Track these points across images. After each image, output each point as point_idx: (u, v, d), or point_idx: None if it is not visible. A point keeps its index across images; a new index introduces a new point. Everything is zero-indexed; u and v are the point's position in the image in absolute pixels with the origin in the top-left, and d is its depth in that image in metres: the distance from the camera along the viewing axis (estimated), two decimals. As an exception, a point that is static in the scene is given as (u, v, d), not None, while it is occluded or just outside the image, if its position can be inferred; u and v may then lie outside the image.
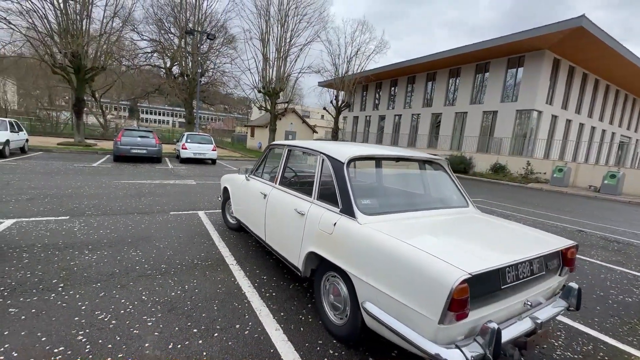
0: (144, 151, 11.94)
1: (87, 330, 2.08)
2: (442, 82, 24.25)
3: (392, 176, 3.08)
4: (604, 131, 24.78)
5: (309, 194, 2.55)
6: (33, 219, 4.33)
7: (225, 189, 4.54)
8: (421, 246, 1.65)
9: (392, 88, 29.03)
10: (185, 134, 13.99)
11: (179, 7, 20.37)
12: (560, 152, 20.87)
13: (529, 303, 1.76)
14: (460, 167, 19.06)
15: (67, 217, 4.51)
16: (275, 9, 21.08)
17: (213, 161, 14.08)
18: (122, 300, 2.48)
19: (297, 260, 2.53)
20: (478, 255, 1.67)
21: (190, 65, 21.59)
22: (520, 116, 19.59)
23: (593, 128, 23.68)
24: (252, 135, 29.05)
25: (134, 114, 74.21)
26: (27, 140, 12.44)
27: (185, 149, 13.14)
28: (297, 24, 21.36)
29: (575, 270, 4.06)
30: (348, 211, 2.10)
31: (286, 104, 24.23)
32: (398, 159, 2.64)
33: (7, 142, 10.28)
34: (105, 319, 2.22)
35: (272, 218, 2.97)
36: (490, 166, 18.68)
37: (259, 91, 22.81)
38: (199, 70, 18.73)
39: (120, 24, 18.10)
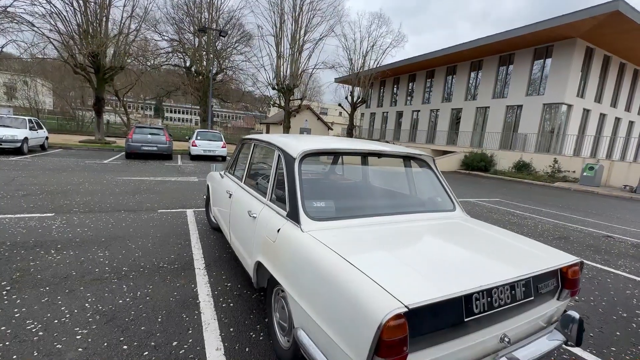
0: (154, 148, 12.08)
1: (7, 343, 1.89)
2: (463, 75, 23.12)
3: (358, 174, 2.72)
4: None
5: (265, 194, 2.24)
6: (18, 215, 4.30)
7: (208, 186, 4.33)
8: (361, 265, 1.30)
9: (410, 83, 28.08)
10: (196, 131, 14.07)
11: (192, 7, 20.56)
12: (592, 149, 19.34)
13: (507, 339, 1.36)
14: (481, 164, 18.07)
15: (52, 214, 4.45)
16: (289, 5, 20.87)
17: (223, 158, 14.09)
18: (62, 308, 2.28)
19: (250, 268, 2.23)
20: (433, 279, 1.30)
21: (205, 63, 21.81)
22: (548, 110, 18.29)
23: (631, 123, 21.80)
24: (268, 132, 29.10)
25: (159, 112, 76.89)
26: (46, 138, 12.91)
27: (195, 146, 13.20)
28: (311, 19, 21.04)
29: (589, 289, 3.52)
30: (293, 215, 1.77)
31: (300, 101, 23.98)
32: (365, 154, 2.28)
33: (26, 139, 10.67)
34: (33, 330, 2.02)
35: (233, 219, 2.70)
36: (514, 164, 17.57)
37: (273, 88, 22.72)
38: (212, 69, 18.84)
39: (138, 25, 18.51)
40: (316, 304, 1.37)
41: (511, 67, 20.07)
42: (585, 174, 13.77)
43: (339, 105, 27.60)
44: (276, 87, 22.28)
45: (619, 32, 15.66)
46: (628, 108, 21.14)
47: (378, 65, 24.26)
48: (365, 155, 2.26)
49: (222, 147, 13.72)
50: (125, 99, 29.87)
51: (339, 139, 2.52)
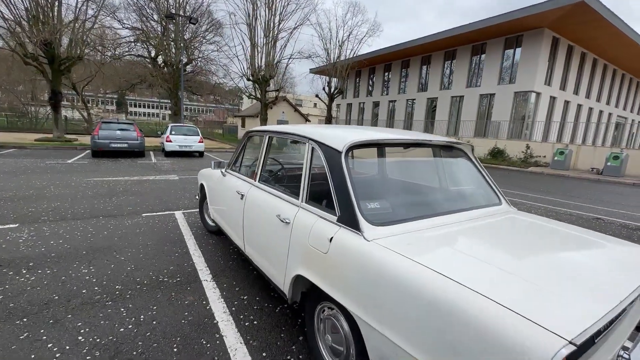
0: (125, 145, 11.14)
1: (-18, 402, 1.46)
2: (437, 65, 23.48)
3: (399, 168, 2.46)
4: (601, 112, 24.37)
5: (297, 194, 1.91)
6: (-28, 229, 3.64)
7: (202, 186, 3.90)
8: (475, 285, 1.04)
9: (386, 73, 28.17)
10: (170, 125, 13.17)
11: (158, -10, 19.14)
12: (558, 135, 20.45)
13: (626, 356, 1.17)
14: (458, 152, 18.51)
15: (16, 225, 3.82)
16: (261, -9, 19.95)
17: (200, 154, 13.33)
18: (49, 345, 1.85)
19: (281, 282, 1.92)
20: (570, 296, 1.06)
21: (174, 53, 20.48)
22: (519, 98, 19.02)
23: (590, 109, 23.25)
24: (243, 125, 28.15)
25: (121, 107, 72.26)
26: (-4, 137, 11.51)
27: (170, 141, 12.35)
28: (286, 7, 20.30)
29: None
30: (349, 221, 1.48)
31: (277, 92, 23.31)
32: (410, 145, 2.01)
33: (-29, 139, 9.40)
34: (16, 379, 1.60)
35: (251, 224, 2.35)
36: (489, 151, 18.20)
37: (248, 79, 21.86)
38: (182, 59, 17.69)
39: (96, 11, 16.93)
40: (413, 335, 1.10)
41: (483, 56, 20.60)
42: (556, 158, 14.48)
43: (316, 96, 27.17)
44: (251, 77, 21.44)
45: (582, 22, 16.43)
46: (588, 95, 22.49)
47: (355, 55, 24.01)
48: (408, 147, 1.99)
49: (199, 142, 12.96)
50: (84, 93, 27.58)
51: (377, 129, 2.21)
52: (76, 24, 15.47)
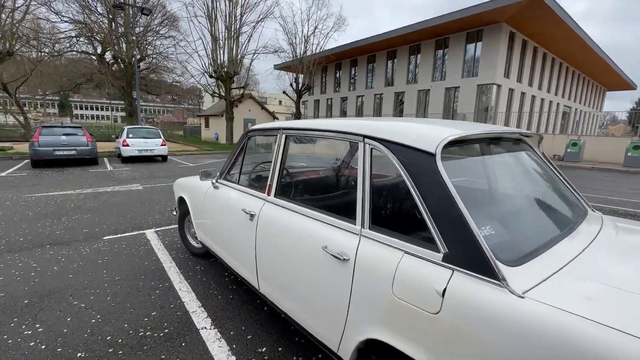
0: (73, 152, 9.70)
1: None
2: (403, 60, 23.75)
3: (483, 171, 1.98)
4: (550, 102, 26.21)
5: (350, 216, 1.35)
6: None
7: (182, 199, 3.18)
8: None
9: (353, 68, 28.07)
10: (126, 128, 11.77)
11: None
12: (517, 124, 21.59)
13: None
14: (429, 145, 18.84)
15: None
16: (220, -19, 18.71)
17: (163, 158, 12.09)
18: None
19: (334, 342, 1.35)
20: None
21: (124, 48, 18.58)
22: (482, 91, 19.74)
23: (542, 100, 24.89)
24: (207, 125, 26.51)
25: (65, 109, 65.63)
26: None
27: (127, 145, 11.02)
28: (247, -1, 19.23)
29: None
30: (472, 262, 0.96)
31: (242, 89, 22.21)
32: (497, 139, 1.52)
33: None
34: None
35: (272, 256, 1.74)
36: (457, 143, 18.68)
37: (210, 76, 20.51)
38: (135, 54, 16.04)
39: (27, 0, 14.79)
40: None
41: (447, 50, 21.12)
42: (521, 147, 15.14)
43: (284, 92, 26.36)
44: (214, 74, 20.13)
45: (536, 17, 17.33)
46: (540, 87, 24.04)
47: (321, 50, 23.53)
48: (494, 142, 1.50)
49: (162, 145, 11.73)
50: (18, 95, 24.31)
51: (455, 121, 1.65)
52: (2, 15, 13.34)
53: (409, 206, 1.18)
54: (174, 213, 3.54)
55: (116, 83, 17.79)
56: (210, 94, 21.76)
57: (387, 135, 1.24)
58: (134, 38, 16.13)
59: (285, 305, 1.67)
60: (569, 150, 13.59)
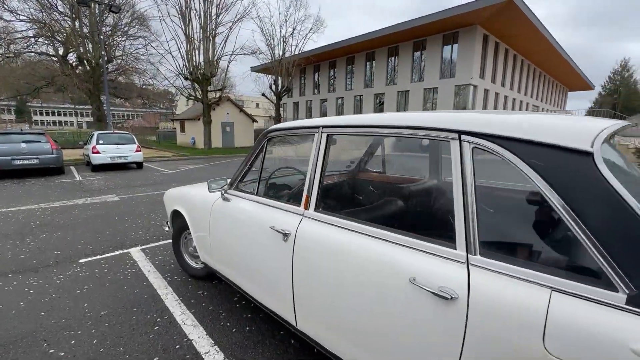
0: (35, 161, 8.75)
1: None
2: (382, 61, 23.94)
3: None
4: (520, 102, 27.40)
5: (442, 237, 1.04)
6: None
7: (177, 213, 2.74)
8: None
9: (332, 70, 28.02)
10: (96, 133, 10.84)
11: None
12: (493, 124, 22.32)
13: None
14: (411, 145, 19.03)
15: None
16: (193, -21, 17.96)
17: (139, 165, 11.26)
18: None
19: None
20: None
21: (91, 49, 17.33)
22: (459, 91, 20.21)
23: (514, 99, 25.95)
24: (183, 130, 25.36)
25: (23, 116, 61.07)
26: None
27: (98, 152, 10.13)
28: (223, -3, 18.58)
29: None
30: None
31: (220, 91, 21.45)
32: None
33: None
34: None
35: (318, 287, 1.39)
36: (438, 142, 18.97)
37: (186, 78, 19.61)
38: (104, 54, 14.97)
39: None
40: None
41: (425, 52, 21.48)
42: (500, 145, 15.55)
43: (263, 95, 25.72)
44: (189, 76, 19.25)
45: (508, 20, 17.97)
46: (511, 87, 25.05)
47: (300, 52, 23.22)
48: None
49: (137, 151, 10.91)
50: (-32, 99, 22.11)
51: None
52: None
53: (544, 225, 0.89)
54: (166, 229, 3.08)
55: (82, 86, 16.54)
56: (186, 97, 20.82)
57: (505, 131, 0.93)
58: (102, 37, 15.04)
59: (346, 353, 1.31)
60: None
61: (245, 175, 2.03)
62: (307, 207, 1.51)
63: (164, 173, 10.11)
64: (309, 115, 30.73)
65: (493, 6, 16.15)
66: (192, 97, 20.43)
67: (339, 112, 27.81)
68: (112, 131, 11.62)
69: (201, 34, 18.82)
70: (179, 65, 19.48)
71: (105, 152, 10.26)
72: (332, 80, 28.27)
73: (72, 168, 11.08)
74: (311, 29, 22.72)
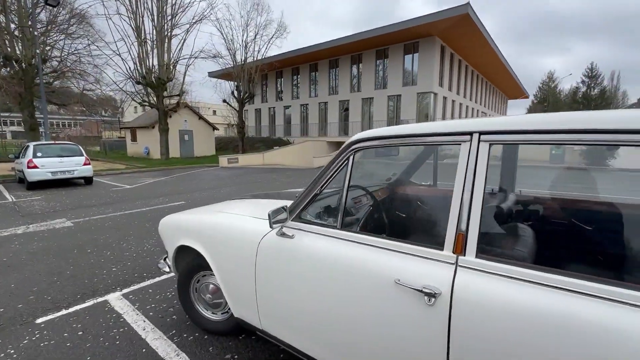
0: (-51, 180, 7.03)
1: None
2: (346, 68, 24.16)
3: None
4: (472, 109, 29.46)
5: None
6: None
7: (186, 249, 2.07)
8: None
9: (295, 76, 27.69)
10: (32, 145, 9.16)
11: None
12: (451, 130, 23.59)
13: None
14: (379, 151, 19.27)
15: None
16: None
17: (88, 180, 9.73)
18: None
19: None
20: None
21: (21, 47, 14.96)
22: (421, 99, 21.01)
23: (466, 107, 27.79)
24: (134, 139, 23.06)
25: None
26: None
27: (35, 167, 8.52)
28: (179, -3, 17.33)
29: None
30: None
31: (178, 97, 19.95)
32: None
33: None
34: None
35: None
36: (405, 148, 19.44)
37: (138, 82, 17.88)
38: (38, 53, 12.95)
39: None
40: None
41: (387, 60, 22.07)
42: (464, 150, 16.31)
43: (224, 101, 24.47)
44: (142, 80, 17.57)
45: (463, 33, 19.15)
46: (465, 95, 26.79)
47: (263, 57, 22.53)
48: None
49: (85, 164, 9.42)
50: None
51: None
52: None
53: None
54: (165, 269, 2.35)
55: (11, 90, 14.17)
56: (139, 103, 18.99)
57: None
58: (36, 33, 13.03)
59: None
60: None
61: (312, 202, 1.48)
62: (461, 252, 1.03)
63: (122, 189, 8.81)
64: (272, 122, 29.97)
65: (450, 18, 17.06)
66: (146, 103, 18.69)
67: (303, 119, 27.49)
68: (52, 142, 9.94)
69: (155, 35, 17.32)
70: (130, 68, 17.72)
71: (45, 166, 8.68)
72: (295, 87, 27.91)
73: (0, 186, 9.24)
74: (274, 34, 22.19)
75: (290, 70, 27.62)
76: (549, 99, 50.81)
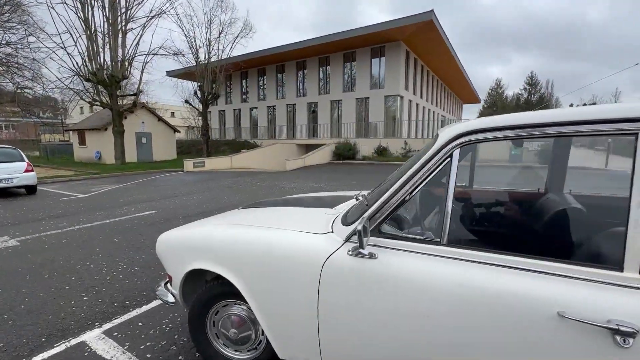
0: None
1: None
2: (314, 71, 24.02)
3: None
4: (434, 112, 30.87)
5: None
6: None
7: (201, 274, 1.65)
8: None
9: (261, 77, 27.00)
10: (-45, 149, 7.71)
11: None
12: (415, 131, 24.44)
13: None
14: (350, 153, 19.34)
15: None
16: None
17: (31, 189, 8.40)
18: None
19: None
20: None
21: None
22: (388, 101, 21.49)
23: (429, 110, 29.05)
24: (83, 142, 20.77)
25: None
26: None
27: (-38, 176, 7.16)
28: (135, -12, 15.97)
29: None
30: None
31: (135, 97, 18.39)
32: None
33: None
34: None
35: None
36: (374, 149, 19.71)
37: (87, 79, 16.15)
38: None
39: None
40: None
41: (355, 63, 22.29)
42: (432, 151, 16.88)
43: (186, 102, 23.03)
44: (92, 77, 15.88)
45: (426, 39, 19.93)
46: (427, 99, 27.98)
47: (229, 57, 21.60)
48: None
49: (27, 170, 8.12)
50: None
51: None
52: None
53: None
54: (169, 299, 1.87)
55: None
56: (89, 103, 17.16)
57: None
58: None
59: None
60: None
61: (396, 211, 1.17)
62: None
63: (74, 198, 7.72)
64: (238, 124, 28.91)
65: (416, 24, 17.64)
66: (97, 103, 16.93)
67: (271, 121, 26.88)
68: (-16, 145, 8.48)
69: (107, 29, 15.77)
70: (77, 63, 15.94)
71: (-25, 174, 7.33)
72: (262, 88, 27.20)
73: None
74: (239, 33, 21.36)
75: (257, 71, 26.87)
76: (497, 103, 55.19)
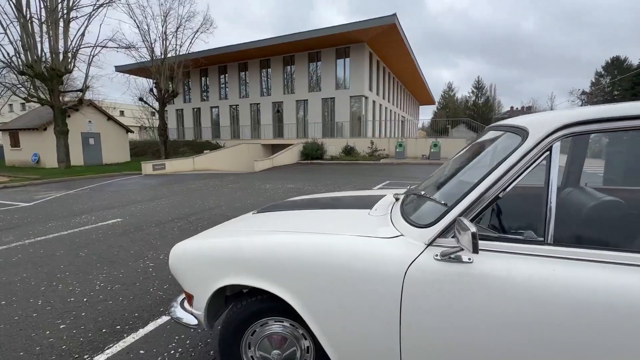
0: None
1: None
2: (278, 69, 23.63)
3: None
4: (395, 113, 32.03)
5: None
6: None
7: (223, 291, 1.44)
8: None
9: (223, 75, 25.94)
10: None
11: None
12: (379, 131, 25.14)
13: None
14: (318, 153, 19.29)
15: None
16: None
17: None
18: None
19: None
20: None
21: None
22: (353, 102, 21.83)
23: (391, 111, 30.08)
24: (16, 144, 18.22)
25: None
26: None
27: None
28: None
29: None
30: None
31: (82, 93, 16.60)
32: None
33: None
34: None
35: None
36: (342, 149, 19.89)
37: (21, 72, 14.25)
38: None
39: None
40: None
41: (320, 63, 22.31)
42: (397, 150, 17.47)
43: (140, 99, 21.35)
44: (27, 70, 14.03)
45: (387, 41, 20.56)
46: (389, 100, 28.93)
47: (187, 52, 20.41)
48: None
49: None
50: None
51: None
52: None
53: None
54: (189, 321, 1.60)
55: None
56: (23, 99, 15.14)
57: None
58: None
59: None
60: (432, 150, 16.58)
61: (487, 209, 1.07)
62: None
63: (16, 207, 6.70)
64: (197, 123, 27.50)
65: (379, 27, 18.11)
66: (34, 99, 14.98)
67: (234, 120, 25.95)
68: None
69: (45, 16, 14.02)
70: (8, 54, 13.98)
71: None
72: (223, 87, 26.13)
73: None
74: (199, 28, 20.29)
75: (217, 69, 25.75)
76: (449, 105, 58.95)
